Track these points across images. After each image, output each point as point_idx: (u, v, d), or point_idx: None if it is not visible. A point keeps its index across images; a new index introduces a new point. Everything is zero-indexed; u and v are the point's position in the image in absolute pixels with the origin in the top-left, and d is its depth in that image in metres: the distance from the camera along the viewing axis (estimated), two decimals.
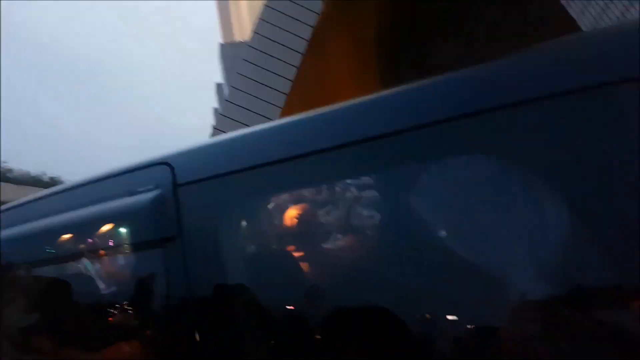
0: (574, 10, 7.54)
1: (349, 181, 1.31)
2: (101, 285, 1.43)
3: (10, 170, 35.14)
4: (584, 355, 0.89)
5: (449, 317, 1.05)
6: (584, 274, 0.90)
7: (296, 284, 1.31)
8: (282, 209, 1.39)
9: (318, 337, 1.22)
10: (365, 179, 1.28)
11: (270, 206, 1.40)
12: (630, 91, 0.90)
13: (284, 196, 1.38)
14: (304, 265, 1.38)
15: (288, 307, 1.29)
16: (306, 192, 1.36)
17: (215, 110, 12.44)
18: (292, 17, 8.79)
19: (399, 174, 1.16)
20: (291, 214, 1.42)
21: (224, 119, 9.24)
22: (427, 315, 1.09)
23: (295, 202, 1.37)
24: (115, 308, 1.41)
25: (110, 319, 1.39)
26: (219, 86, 12.35)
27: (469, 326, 1.03)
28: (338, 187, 1.31)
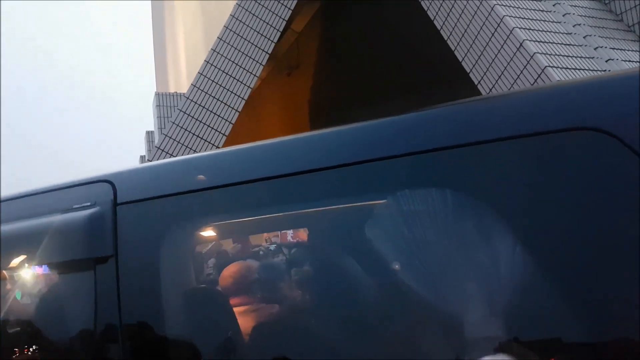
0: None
1: (289, 210, 1.26)
2: (28, 304, 1.34)
3: None
4: None
5: None
6: None
7: (231, 314, 1.24)
8: (222, 235, 1.36)
9: None
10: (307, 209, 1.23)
11: (209, 231, 1.34)
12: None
13: (225, 222, 1.33)
14: (240, 297, 1.30)
15: (225, 337, 1.24)
16: (248, 220, 1.30)
17: (142, 157, 12.20)
18: (232, 77, 8.98)
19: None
20: (231, 241, 1.37)
21: None
22: None
23: (236, 229, 1.35)
24: (41, 330, 1.30)
25: (34, 342, 1.28)
26: (148, 134, 12.16)
27: None
28: (280, 215, 1.25)
